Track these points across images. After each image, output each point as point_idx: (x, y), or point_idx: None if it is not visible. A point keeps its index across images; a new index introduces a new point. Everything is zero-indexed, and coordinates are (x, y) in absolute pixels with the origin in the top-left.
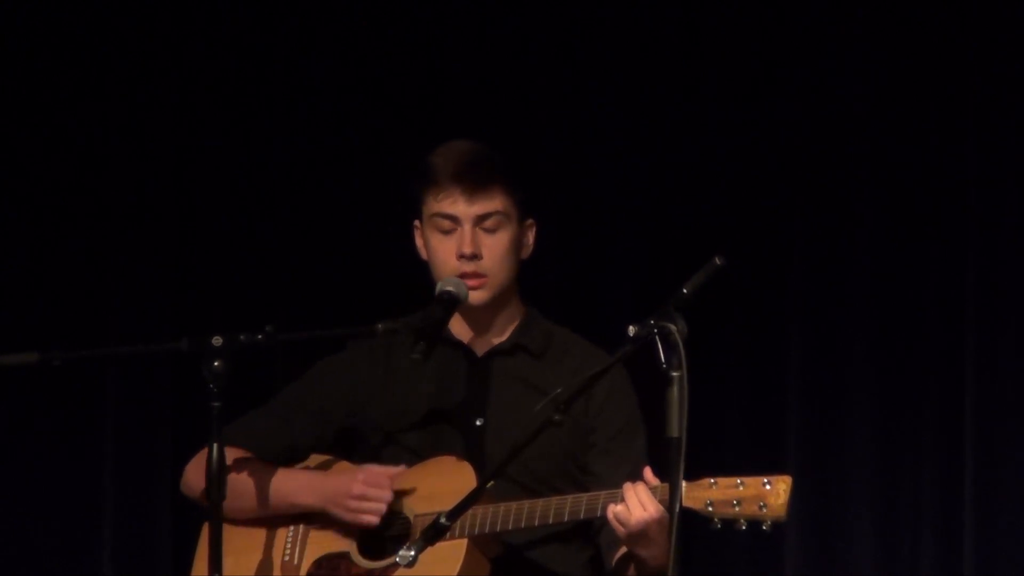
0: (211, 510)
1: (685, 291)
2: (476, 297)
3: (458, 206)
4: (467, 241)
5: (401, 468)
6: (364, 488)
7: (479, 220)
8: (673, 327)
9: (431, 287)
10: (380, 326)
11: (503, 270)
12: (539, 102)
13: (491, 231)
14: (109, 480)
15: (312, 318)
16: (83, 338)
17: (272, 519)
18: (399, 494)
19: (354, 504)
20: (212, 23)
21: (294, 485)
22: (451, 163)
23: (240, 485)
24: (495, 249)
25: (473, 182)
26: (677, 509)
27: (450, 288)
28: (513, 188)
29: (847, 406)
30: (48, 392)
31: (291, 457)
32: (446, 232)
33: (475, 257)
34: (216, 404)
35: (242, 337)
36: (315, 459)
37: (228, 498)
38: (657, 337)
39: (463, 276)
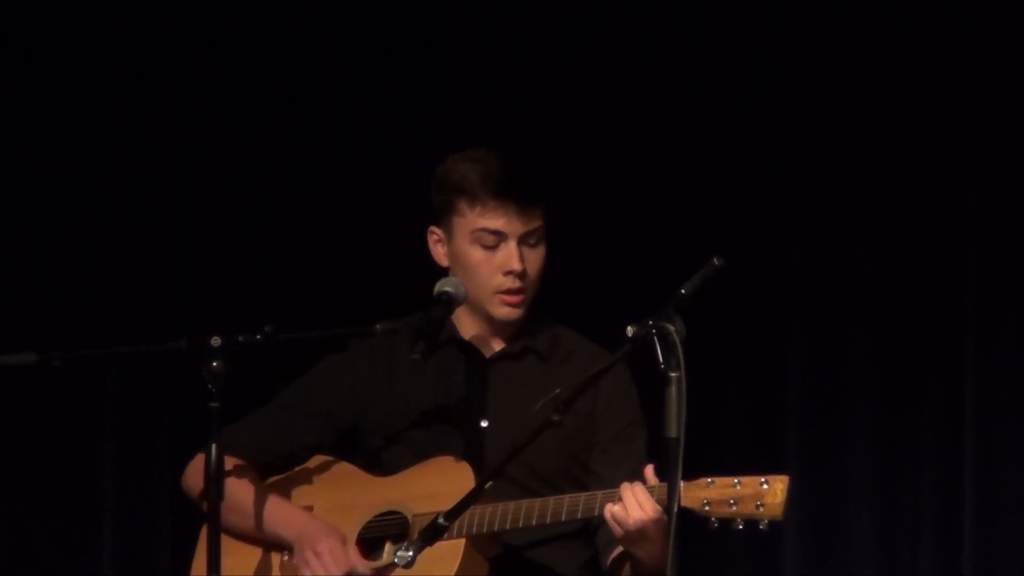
0: (210, 511)
1: (684, 291)
2: (514, 314)
3: (511, 223)
4: (517, 258)
5: (373, 574)
6: (324, 550)
7: (525, 237)
8: (671, 328)
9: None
10: (379, 326)
11: (538, 284)
12: (539, 102)
13: (533, 246)
14: (109, 480)
15: (311, 318)
16: (83, 338)
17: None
18: (398, 494)
19: (308, 555)
20: (212, 23)
21: (279, 518)
22: (497, 177)
23: (234, 505)
24: (536, 264)
25: (524, 199)
26: (676, 509)
27: (448, 288)
28: (546, 203)
29: (847, 406)
30: (48, 392)
31: (292, 460)
32: (491, 248)
33: (524, 274)
34: (215, 404)
35: (241, 337)
36: (315, 460)
37: (224, 512)
38: (655, 338)
39: (507, 292)
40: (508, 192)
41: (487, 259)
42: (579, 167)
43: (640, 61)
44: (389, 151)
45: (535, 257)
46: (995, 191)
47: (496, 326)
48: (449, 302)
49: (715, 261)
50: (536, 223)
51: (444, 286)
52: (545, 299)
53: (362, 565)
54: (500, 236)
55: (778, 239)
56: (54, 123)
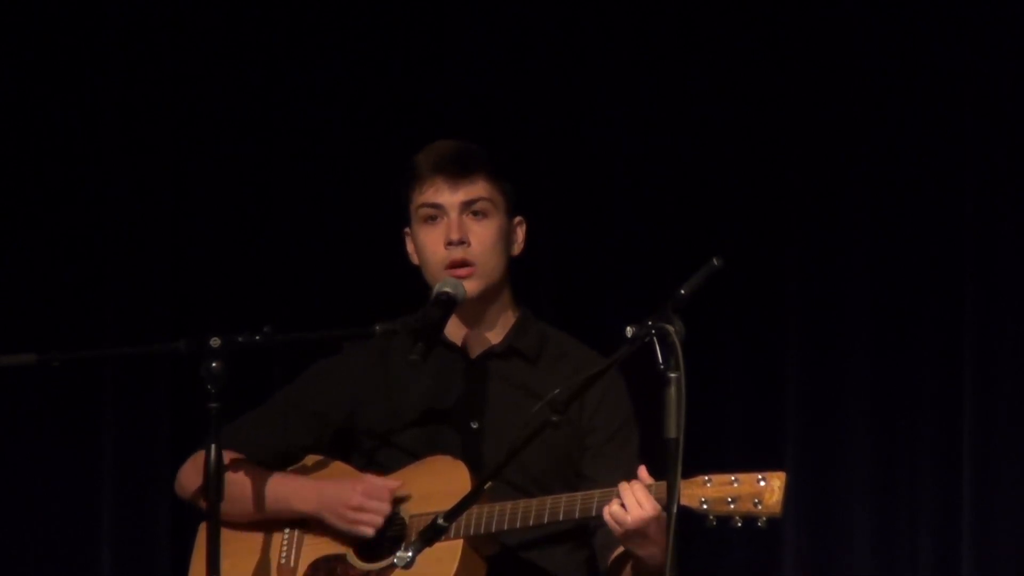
0: (209, 512)
1: (683, 292)
2: (466, 287)
3: (442, 194)
4: (454, 227)
5: (399, 483)
6: (362, 500)
7: (465, 207)
8: (671, 328)
9: (426, 290)
10: (378, 327)
11: (492, 259)
12: (539, 102)
13: (478, 218)
14: (108, 480)
15: (310, 319)
16: (82, 339)
17: (267, 523)
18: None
19: (351, 515)
20: (213, 24)
21: (290, 490)
22: (432, 157)
23: (235, 489)
24: (483, 236)
25: (455, 170)
26: (675, 509)
27: (448, 289)
28: (497, 178)
29: (845, 406)
30: (47, 393)
31: (286, 459)
32: (432, 222)
33: (462, 243)
34: (214, 405)
35: (240, 338)
36: (310, 459)
37: (225, 504)
38: (655, 338)
39: (452, 265)
40: (440, 165)
41: (431, 235)
42: (579, 167)
43: (641, 61)
44: (389, 152)
45: (481, 229)
46: (994, 191)
47: (476, 318)
48: (449, 303)
49: (714, 261)
50: (476, 193)
51: (444, 287)
52: (544, 299)
53: (390, 483)
54: (438, 209)
55: (777, 239)
56: (54, 123)
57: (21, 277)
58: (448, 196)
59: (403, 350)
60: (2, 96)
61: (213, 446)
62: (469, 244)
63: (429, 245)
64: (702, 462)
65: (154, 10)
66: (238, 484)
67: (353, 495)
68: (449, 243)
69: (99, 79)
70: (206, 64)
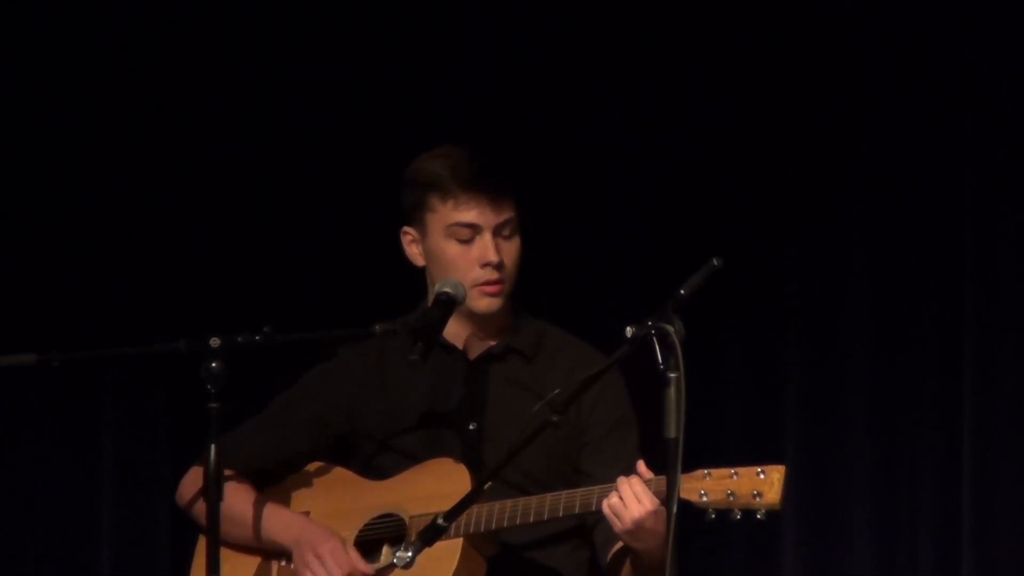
0: (209, 511)
1: (683, 292)
2: (494, 305)
3: (484, 216)
4: (493, 250)
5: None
6: (326, 556)
7: (499, 228)
8: (671, 328)
9: (426, 291)
10: (378, 327)
11: (516, 276)
12: (539, 102)
13: (507, 238)
14: (108, 481)
15: (310, 319)
16: (82, 339)
17: (263, 550)
18: (395, 497)
19: (309, 558)
20: (213, 24)
21: (276, 524)
22: (466, 171)
23: (230, 515)
24: (513, 255)
25: (495, 190)
26: (675, 508)
27: (448, 289)
28: (515, 194)
29: (845, 407)
30: (47, 393)
31: (287, 466)
32: (466, 241)
33: (501, 265)
34: (214, 405)
35: (240, 338)
36: (312, 466)
37: (220, 524)
38: (654, 338)
39: (486, 284)
40: (479, 184)
41: (463, 253)
42: (578, 167)
43: (641, 61)
44: (389, 153)
45: (510, 248)
46: (994, 191)
47: (478, 322)
48: (449, 303)
49: (714, 261)
50: (508, 214)
51: (444, 287)
52: (544, 299)
53: (363, 566)
54: (474, 229)
55: (777, 239)
56: (52, 124)
57: (21, 277)
58: (489, 217)
59: (401, 351)
60: (2, 96)
61: (213, 446)
62: (503, 264)
63: (461, 262)
64: (702, 462)
65: (154, 10)
66: (231, 514)
67: (324, 545)
68: (487, 264)
69: (99, 79)
70: (206, 64)
